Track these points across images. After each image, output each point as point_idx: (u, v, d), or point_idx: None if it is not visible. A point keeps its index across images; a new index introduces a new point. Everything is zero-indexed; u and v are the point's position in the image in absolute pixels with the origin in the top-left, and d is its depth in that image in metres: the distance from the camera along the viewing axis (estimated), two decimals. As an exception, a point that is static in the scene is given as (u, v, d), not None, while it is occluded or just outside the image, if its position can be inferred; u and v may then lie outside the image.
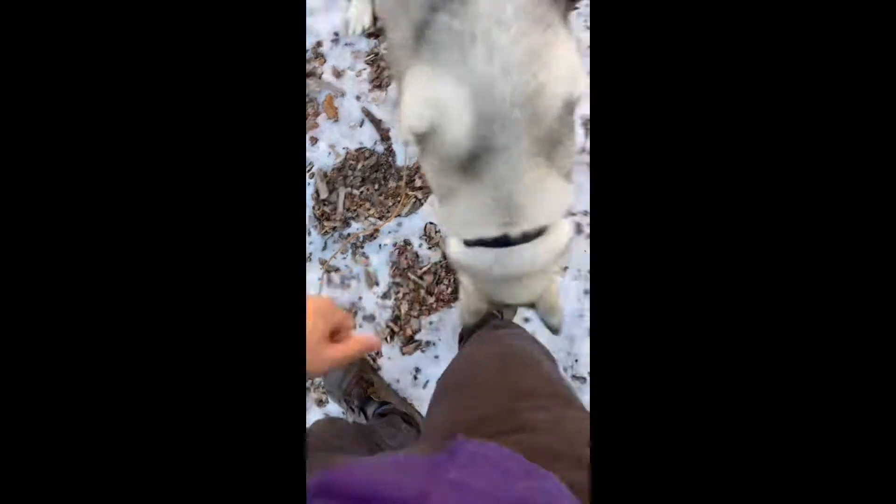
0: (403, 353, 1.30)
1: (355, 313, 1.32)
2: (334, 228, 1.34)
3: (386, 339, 1.31)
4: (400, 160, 1.34)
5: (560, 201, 0.73)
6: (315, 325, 0.46)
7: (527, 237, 0.72)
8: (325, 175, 1.36)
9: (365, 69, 1.35)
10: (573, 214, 1.31)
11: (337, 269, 1.34)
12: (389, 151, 1.35)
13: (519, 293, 0.81)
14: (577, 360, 1.28)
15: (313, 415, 1.30)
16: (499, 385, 0.59)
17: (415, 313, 1.30)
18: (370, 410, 1.19)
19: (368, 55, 1.36)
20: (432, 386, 0.98)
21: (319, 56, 1.40)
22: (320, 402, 1.31)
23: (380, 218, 1.33)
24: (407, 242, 1.31)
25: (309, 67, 1.40)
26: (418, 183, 1.34)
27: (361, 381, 1.21)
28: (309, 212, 1.35)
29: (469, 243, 0.76)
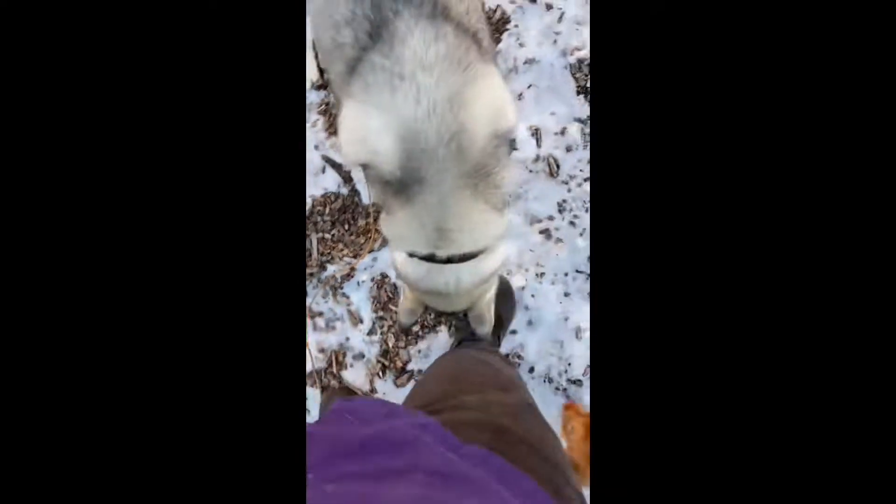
0: (398, 386, 1.29)
1: (344, 354, 1.32)
2: (312, 275, 1.36)
3: (378, 374, 1.30)
4: (365, 198, 1.38)
5: (487, 231, 0.78)
6: None
7: (451, 259, 0.77)
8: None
9: (319, 119, 1.42)
10: (539, 221, 1.34)
11: (321, 314, 1.35)
12: (353, 192, 1.39)
13: (446, 304, 0.87)
14: (569, 364, 1.27)
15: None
16: (447, 379, 0.64)
17: (402, 344, 1.30)
18: None
19: (320, 106, 1.43)
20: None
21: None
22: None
23: (354, 256, 1.35)
24: (384, 276, 1.33)
25: (267, 128, 1.46)
26: (386, 217, 1.37)
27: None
28: None
29: (408, 253, 0.80)
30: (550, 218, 1.33)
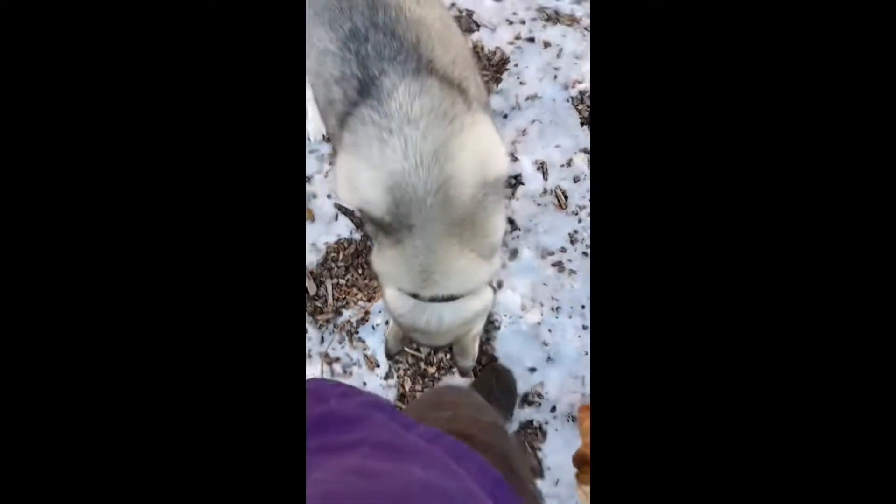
0: (416, 431, 1.26)
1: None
2: (328, 321, 1.38)
3: (396, 420, 1.28)
4: (377, 242, 1.41)
5: (471, 277, 0.80)
6: None
7: (434, 299, 0.79)
8: (311, 273, 1.42)
9: (329, 169, 1.47)
10: (551, 253, 1.32)
11: (338, 359, 1.35)
12: (366, 236, 1.42)
13: (428, 340, 0.89)
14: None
15: None
16: (425, 405, 0.67)
17: (419, 387, 1.28)
18: None
19: (332, 156, 1.48)
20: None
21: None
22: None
23: (368, 300, 1.36)
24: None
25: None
26: (398, 259, 1.38)
27: None
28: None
29: (396, 287, 0.82)
30: (562, 250, 1.32)
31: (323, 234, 1.44)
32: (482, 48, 1.48)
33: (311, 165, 1.51)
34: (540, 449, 1.22)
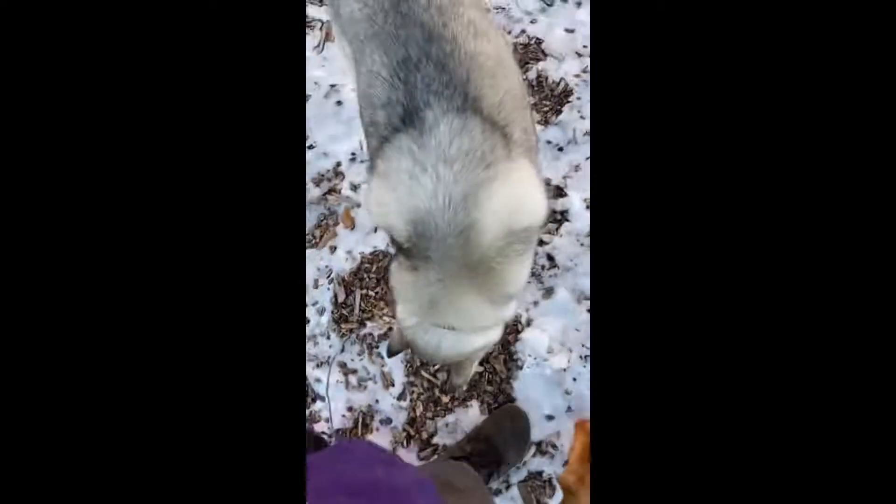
0: (420, 459, 1.23)
1: (372, 417, 1.30)
2: (351, 330, 1.38)
3: (402, 443, 1.25)
4: (411, 260, 1.40)
5: (476, 318, 0.79)
6: None
7: (437, 325, 0.79)
8: (343, 280, 1.43)
9: (365, 186, 1.48)
10: (588, 298, 1.26)
11: (355, 371, 1.35)
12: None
13: (425, 358, 0.92)
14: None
15: None
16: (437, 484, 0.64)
17: (430, 415, 1.25)
18: None
19: (368, 172, 1.49)
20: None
21: (339, 174, 1.56)
22: None
23: (393, 316, 1.35)
24: (420, 340, 1.31)
25: (330, 185, 1.54)
26: (430, 280, 1.37)
27: None
28: (328, 316, 1.40)
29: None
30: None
31: (360, 243, 1.45)
32: (546, 78, 1.45)
33: (360, 175, 1.52)
34: (545, 504, 1.15)
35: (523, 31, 1.50)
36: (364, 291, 1.40)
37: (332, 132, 1.59)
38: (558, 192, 1.35)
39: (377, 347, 1.34)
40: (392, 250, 0.96)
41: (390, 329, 1.34)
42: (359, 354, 1.35)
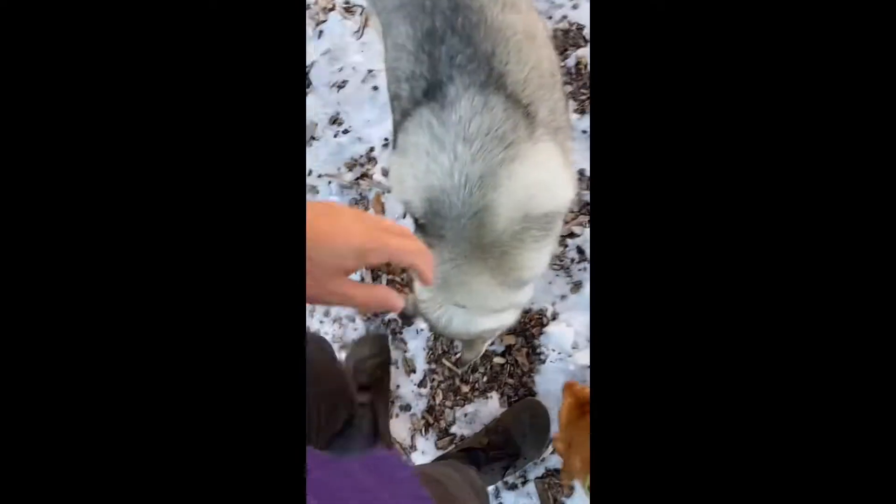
0: (438, 448, 1.22)
1: (392, 402, 1.30)
2: (376, 315, 1.38)
3: (420, 431, 1.25)
4: (438, 247, 1.38)
5: (486, 302, 0.76)
6: (347, 231, 0.39)
7: (448, 301, 0.78)
8: (369, 265, 1.43)
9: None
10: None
11: (378, 356, 1.35)
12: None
13: (436, 331, 0.89)
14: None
15: None
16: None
17: (449, 403, 1.24)
18: None
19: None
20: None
21: (371, 160, 1.56)
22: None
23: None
24: (443, 328, 1.30)
25: (362, 170, 1.55)
26: (456, 268, 1.35)
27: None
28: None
29: None
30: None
31: (389, 229, 1.45)
32: (585, 65, 1.40)
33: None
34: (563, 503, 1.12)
35: (564, 17, 1.45)
36: (391, 277, 1.40)
37: (368, 117, 1.60)
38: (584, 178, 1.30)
39: (401, 333, 1.34)
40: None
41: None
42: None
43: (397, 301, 0.44)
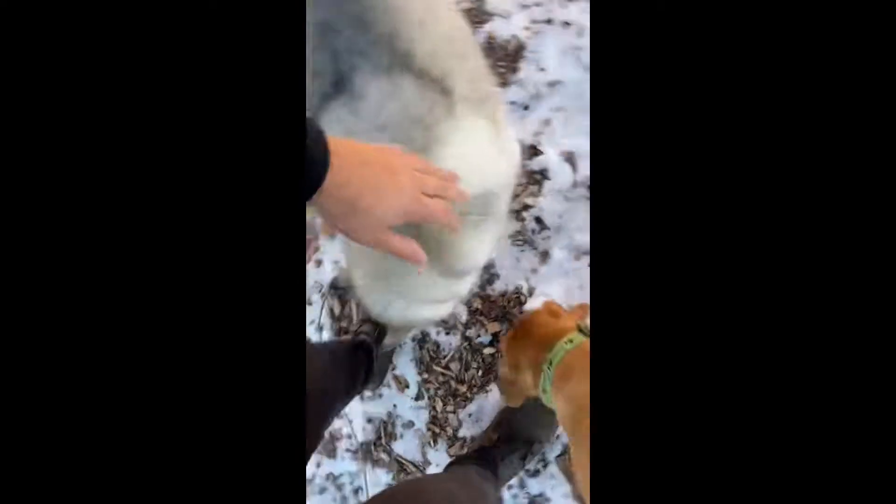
0: (450, 455, 1.17)
1: (393, 423, 1.24)
2: (356, 332, 1.32)
3: (430, 443, 1.20)
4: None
5: (424, 293, 0.73)
6: (400, 192, 0.49)
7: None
8: (335, 291, 1.37)
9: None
10: (586, 253, 1.19)
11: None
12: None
13: (375, 316, 0.84)
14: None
15: None
16: None
17: (451, 408, 1.19)
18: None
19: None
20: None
21: (308, 185, 1.50)
22: None
23: (392, 317, 1.29)
24: (424, 334, 1.25)
25: (301, 198, 1.49)
26: (422, 271, 1.31)
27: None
28: (329, 333, 1.34)
29: None
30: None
31: (346, 249, 1.39)
32: (495, 38, 1.38)
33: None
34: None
35: (463, -4, 1.43)
36: (359, 298, 1.34)
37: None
38: (533, 151, 1.28)
39: (384, 348, 1.29)
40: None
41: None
42: (366, 363, 1.29)
43: (422, 256, 0.53)
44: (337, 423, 1.26)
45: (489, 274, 1.23)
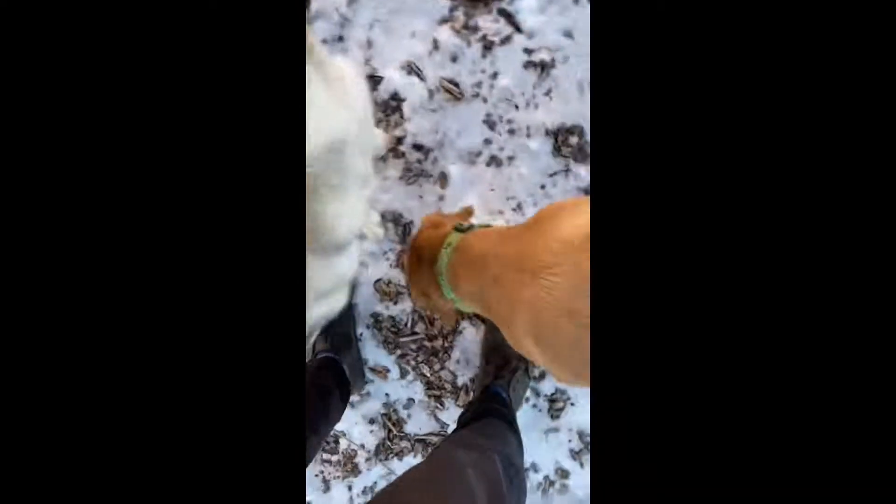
0: (460, 406, 1.15)
1: (395, 411, 1.19)
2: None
3: (437, 407, 1.17)
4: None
5: (309, 284, 0.60)
6: None
7: None
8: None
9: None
10: (479, 154, 1.11)
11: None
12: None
13: None
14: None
15: None
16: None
17: (438, 367, 1.15)
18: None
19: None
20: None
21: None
22: None
23: (336, 318, 1.20)
24: (375, 316, 1.17)
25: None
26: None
27: None
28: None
29: None
30: (487, 142, 1.10)
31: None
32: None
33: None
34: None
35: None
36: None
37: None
38: (373, 79, 1.14)
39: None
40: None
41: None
42: (338, 373, 1.22)
43: None
44: (343, 444, 1.21)
45: (402, 224, 1.14)
